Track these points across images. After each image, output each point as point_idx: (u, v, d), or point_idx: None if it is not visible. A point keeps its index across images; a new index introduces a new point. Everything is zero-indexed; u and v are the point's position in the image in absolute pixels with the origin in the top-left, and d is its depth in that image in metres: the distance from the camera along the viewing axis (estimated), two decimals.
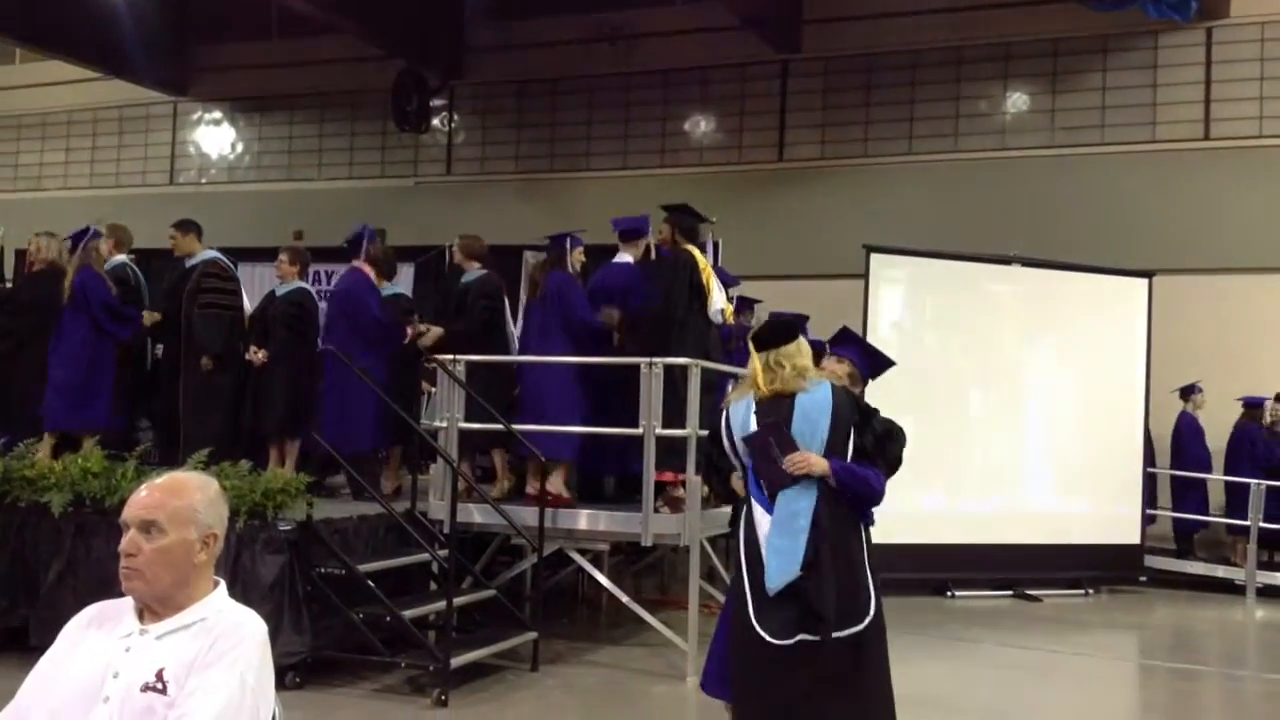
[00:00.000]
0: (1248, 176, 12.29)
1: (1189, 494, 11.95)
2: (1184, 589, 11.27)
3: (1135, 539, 11.30)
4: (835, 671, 4.04)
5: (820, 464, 4.10)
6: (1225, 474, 11.80)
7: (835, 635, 4.01)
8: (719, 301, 7.55)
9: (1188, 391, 11.96)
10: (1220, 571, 11.50)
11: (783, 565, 4.01)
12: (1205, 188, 12.39)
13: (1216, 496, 12.08)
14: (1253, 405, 11.79)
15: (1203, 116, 12.63)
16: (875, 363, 4.91)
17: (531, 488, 7.58)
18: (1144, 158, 12.68)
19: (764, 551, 4.07)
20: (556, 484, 7.51)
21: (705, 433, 4.70)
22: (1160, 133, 12.73)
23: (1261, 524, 11.16)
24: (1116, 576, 11.22)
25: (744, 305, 10.19)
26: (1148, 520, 11.81)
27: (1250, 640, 9.86)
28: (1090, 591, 10.88)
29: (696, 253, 7.66)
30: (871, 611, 4.10)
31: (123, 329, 8.12)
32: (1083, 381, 11.32)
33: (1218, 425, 11.96)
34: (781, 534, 4.05)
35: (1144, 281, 11.44)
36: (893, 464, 4.36)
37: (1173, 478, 12.08)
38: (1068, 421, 11.25)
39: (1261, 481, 11.34)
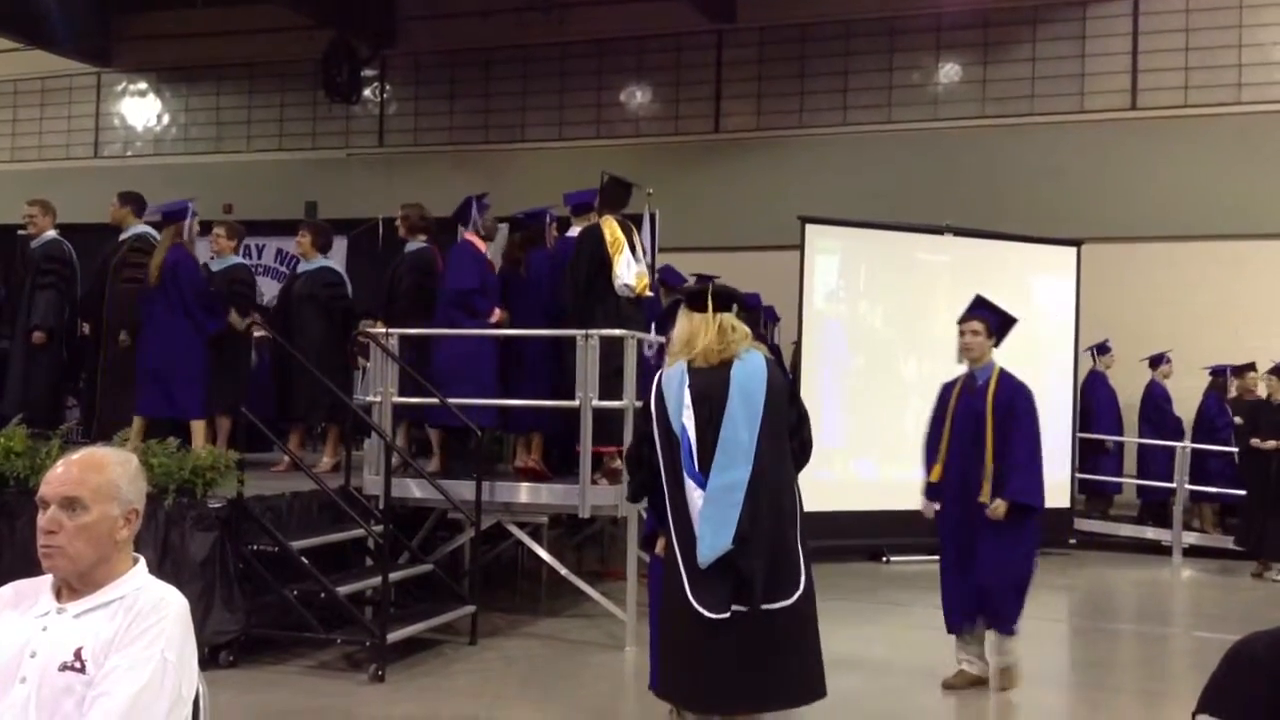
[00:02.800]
0: (1173, 146, 12.51)
1: (1159, 462, 11.93)
2: (1113, 550, 11.52)
3: (1065, 502, 11.52)
4: (769, 641, 4.08)
5: None
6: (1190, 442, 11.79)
7: (767, 607, 4.04)
8: (624, 275, 7.36)
9: (1157, 360, 12.04)
10: (1149, 533, 11.77)
11: (716, 538, 4.02)
12: (1132, 157, 12.59)
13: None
14: (1216, 374, 11.90)
15: (1129, 86, 12.82)
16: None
17: (520, 461, 7.68)
18: (1072, 127, 12.86)
19: (696, 525, 4.07)
20: (534, 457, 7.57)
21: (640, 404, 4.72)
22: (1088, 103, 12.91)
23: (1199, 488, 11.50)
24: (1047, 539, 11.39)
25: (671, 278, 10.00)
26: (1114, 488, 12.04)
27: (1177, 599, 10.12)
28: None
29: (610, 223, 7.50)
30: (802, 584, 4.14)
31: (211, 321, 7.77)
32: (1013, 349, 11.40)
33: (1141, 390, 12.22)
34: (715, 506, 4.04)
35: (1072, 250, 11.62)
36: (807, 444, 4.42)
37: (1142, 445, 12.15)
38: None
39: (1187, 445, 11.60)
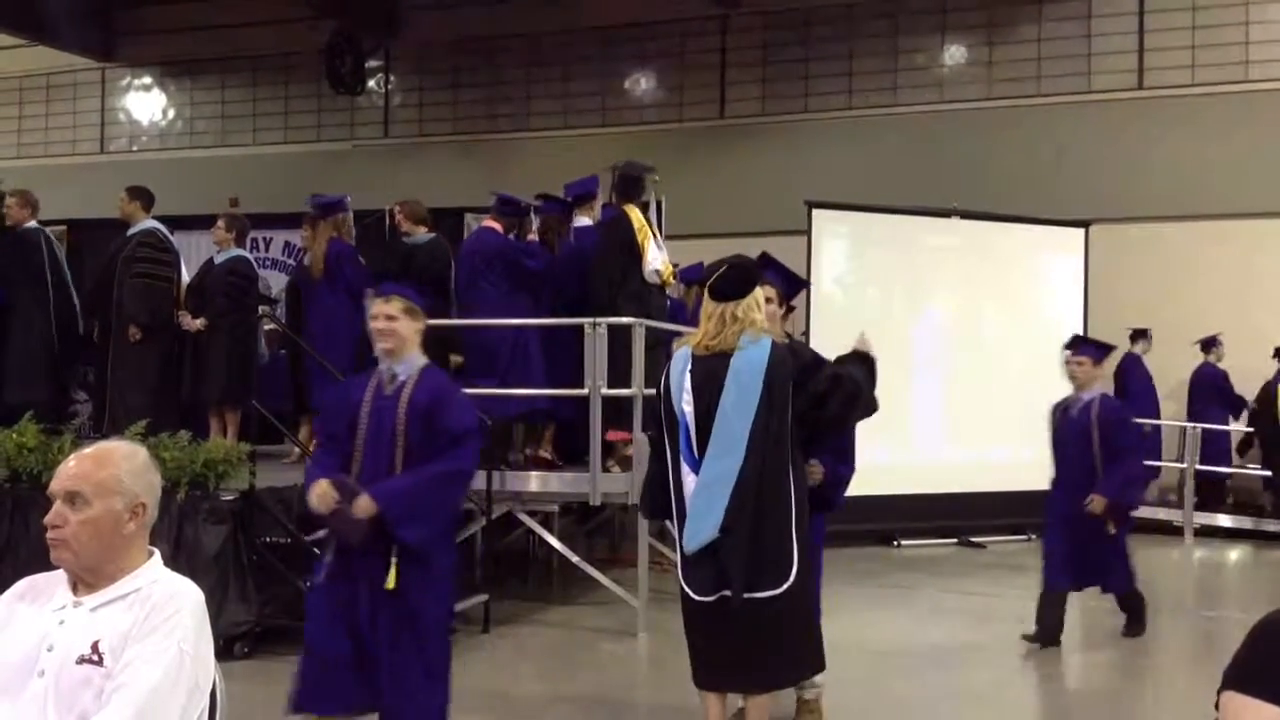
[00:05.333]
0: (1180, 125, 12.44)
1: (1215, 445, 11.81)
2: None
3: None
4: (755, 628, 4.11)
5: None
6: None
7: (752, 596, 4.06)
8: (654, 261, 7.42)
9: (1209, 344, 11.91)
10: (1161, 514, 11.76)
11: (700, 527, 4.07)
12: (1139, 137, 12.53)
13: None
14: None
15: (1136, 66, 12.75)
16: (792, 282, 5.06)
17: (530, 450, 7.72)
18: (1079, 108, 12.80)
19: (687, 509, 4.12)
20: (544, 448, 7.59)
21: (650, 391, 4.75)
22: (1095, 83, 12.84)
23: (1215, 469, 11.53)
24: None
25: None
26: (1152, 473, 11.91)
27: (1188, 579, 10.11)
28: (1032, 537, 11.05)
29: (634, 211, 7.56)
30: (792, 577, 4.11)
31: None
32: (1022, 330, 11.49)
33: (1156, 370, 12.20)
34: (704, 496, 4.08)
35: (1080, 231, 11.61)
36: (836, 421, 4.31)
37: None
38: (1008, 370, 11.40)
39: (1197, 425, 11.58)
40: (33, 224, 8.46)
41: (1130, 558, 6.97)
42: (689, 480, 4.13)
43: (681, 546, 4.18)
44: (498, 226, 7.88)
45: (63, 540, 2.42)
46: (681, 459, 4.17)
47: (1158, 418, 12.09)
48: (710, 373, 4.17)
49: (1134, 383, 12.03)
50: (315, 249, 7.80)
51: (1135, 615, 7.08)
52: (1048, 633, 6.68)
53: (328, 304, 7.69)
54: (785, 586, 4.10)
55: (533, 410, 7.66)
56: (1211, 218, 12.30)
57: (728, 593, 4.07)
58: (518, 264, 7.67)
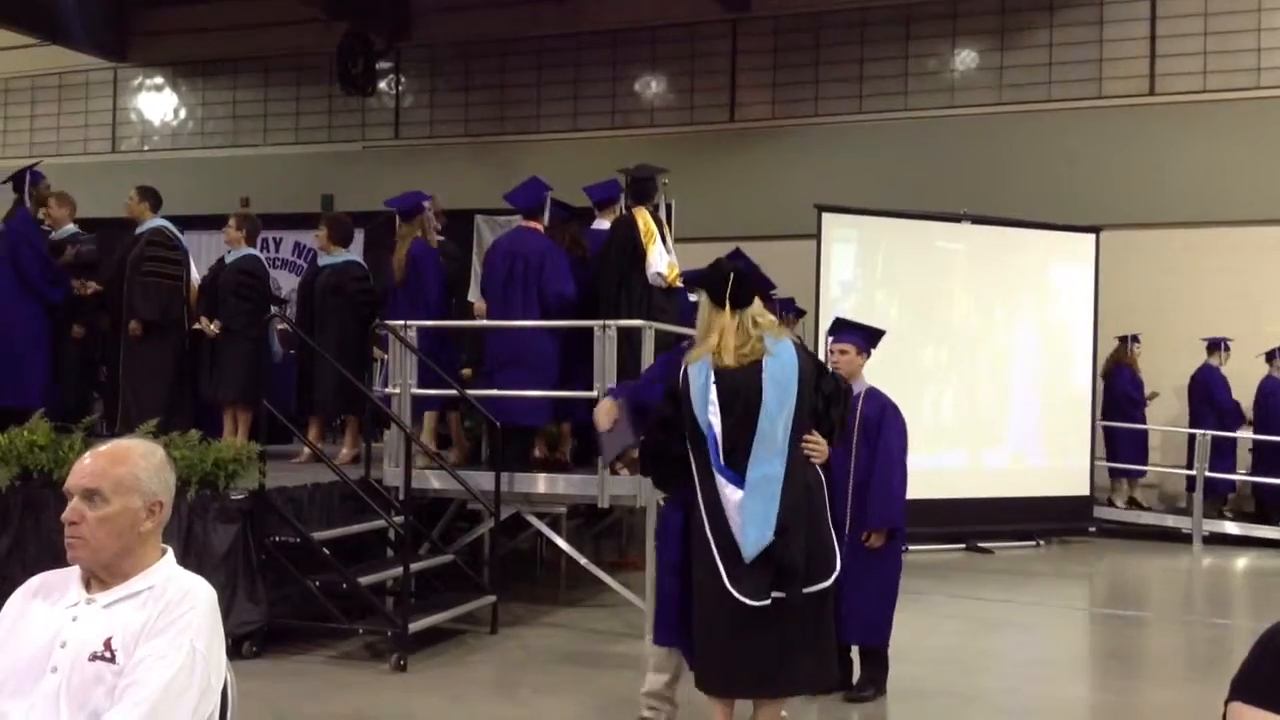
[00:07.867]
0: (1192, 131, 12.42)
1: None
2: (1132, 539, 11.49)
3: (1085, 490, 11.50)
4: (805, 625, 4.16)
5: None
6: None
7: (808, 590, 4.11)
8: (657, 264, 7.35)
9: (1272, 356, 11.68)
10: (1169, 521, 11.73)
11: (759, 531, 4.05)
12: (1151, 143, 12.51)
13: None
14: None
15: (1148, 72, 12.73)
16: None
17: (540, 452, 7.71)
18: (1090, 114, 12.77)
19: (736, 518, 4.08)
20: (560, 450, 7.60)
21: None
22: (1106, 88, 12.82)
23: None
24: (1067, 528, 11.41)
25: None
26: (1229, 486, 11.81)
27: (1197, 586, 10.09)
28: (1041, 543, 11.07)
29: (643, 214, 7.54)
30: (837, 567, 4.23)
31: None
32: (1032, 336, 11.48)
33: (1167, 376, 12.19)
34: (756, 499, 4.06)
35: (1091, 236, 11.58)
36: (839, 423, 4.46)
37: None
38: (1018, 376, 11.40)
39: (1207, 432, 11.55)
40: (73, 227, 8.53)
41: (887, 604, 5.54)
42: (728, 491, 4.10)
43: (721, 556, 4.10)
44: (537, 227, 7.80)
45: (80, 538, 2.42)
46: (714, 471, 4.12)
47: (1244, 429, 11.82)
48: (740, 383, 4.12)
49: (1215, 394, 11.82)
50: (398, 253, 7.65)
51: (871, 677, 5.60)
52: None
53: (404, 305, 7.51)
54: (834, 575, 4.22)
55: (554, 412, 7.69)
56: (1223, 224, 12.27)
57: (780, 594, 4.07)
58: (549, 281, 7.55)
